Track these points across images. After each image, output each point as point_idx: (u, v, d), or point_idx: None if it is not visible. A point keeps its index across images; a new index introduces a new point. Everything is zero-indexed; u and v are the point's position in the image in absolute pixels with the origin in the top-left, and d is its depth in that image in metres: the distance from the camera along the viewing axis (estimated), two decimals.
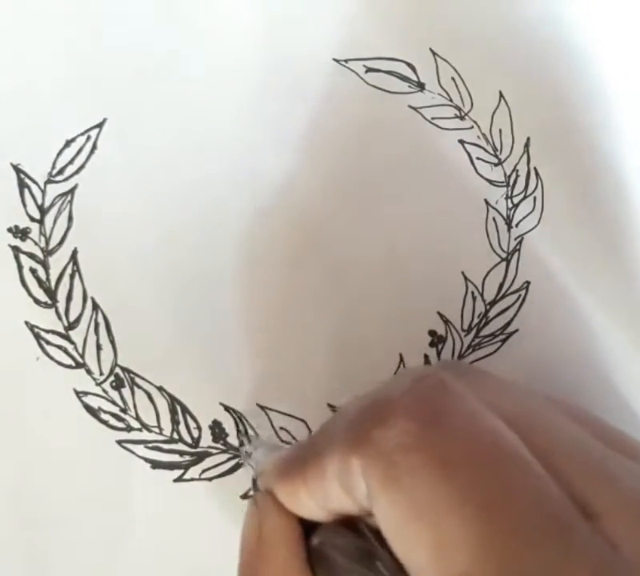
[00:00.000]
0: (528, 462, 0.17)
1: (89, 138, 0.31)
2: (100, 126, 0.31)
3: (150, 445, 0.28)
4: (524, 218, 0.32)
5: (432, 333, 0.30)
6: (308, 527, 0.21)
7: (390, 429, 0.18)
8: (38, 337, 0.29)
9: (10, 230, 0.30)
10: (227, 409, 0.29)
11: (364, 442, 0.18)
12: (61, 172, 0.30)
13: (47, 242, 0.30)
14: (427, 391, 0.19)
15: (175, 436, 0.28)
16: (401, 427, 0.18)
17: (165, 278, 0.30)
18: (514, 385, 0.22)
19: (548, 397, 0.22)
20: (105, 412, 0.28)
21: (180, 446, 0.28)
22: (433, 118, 0.33)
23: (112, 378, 0.28)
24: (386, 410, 0.18)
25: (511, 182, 0.32)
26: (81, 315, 0.29)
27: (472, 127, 0.33)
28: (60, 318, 0.29)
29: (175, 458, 0.28)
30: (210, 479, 0.28)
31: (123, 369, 0.29)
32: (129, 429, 0.28)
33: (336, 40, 0.33)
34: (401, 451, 0.17)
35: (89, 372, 0.28)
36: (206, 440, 0.28)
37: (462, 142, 0.33)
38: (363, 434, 0.18)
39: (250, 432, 0.28)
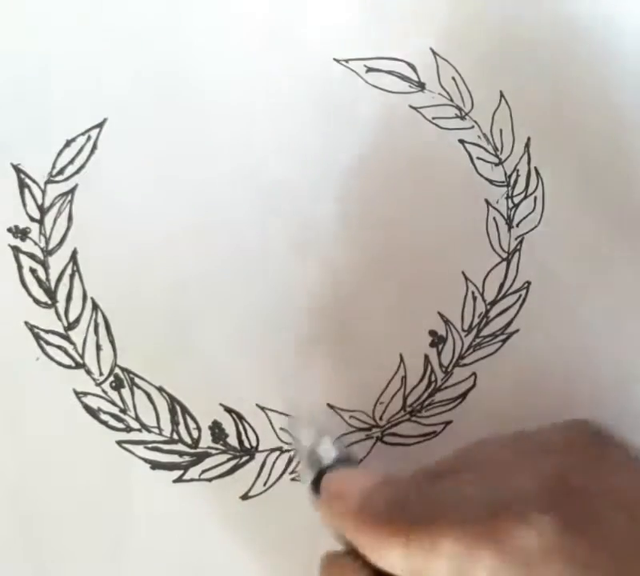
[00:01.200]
0: None
1: (89, 138, 0.31)
2: (100, 126, 0.31)
3: (149, 445, 0.28)
4: (524, 217, 0.32)
5: (432, 333, 0.30)
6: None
7: (529, 530, 0.18)
8: (37, 337, 0.29)
9: (9, 230, 0.30)
10: (227, 409, 0.29)
11: (498, 537, 0.18)
12: (61, 172, 0.30)
13: (47, 242, 0.30)
14: (567, 494, 0.19)
15: (175, 436, 0.28)
16: (540, 529, 0.18)
17: (165, 278, 0.30)
18: (632, 461, 0.22)
19: None
20: (104, 412, 0.28)
21: (180, 447, 0.28)
22: (433, 118, 0.33)
23: (112, 378, 0.28)
24: (523, 508, 0.18)
25: (512, 182, 0.32)
26: (80, 315, 0.29)
27: (472, 127, 0.33)
28: (60, 318, 0.29)
29: (175, 458, 0.28)
30: (209, 480, 0.28)
31: (123, 369, 0.29)
32: (128, 429, 0.28)
33: (336, 40, 0.33)
34: (540, 553, 0.18)
35: (88, 372, 0.28)
36: (206, 440, 0.28)
37: (462, 141, 0.33)
38: (499, 529, 0.18)
39: (312, 431, 0.27)
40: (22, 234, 0.30)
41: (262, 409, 0.29)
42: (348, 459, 0.25)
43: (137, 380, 0.28)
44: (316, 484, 0.23)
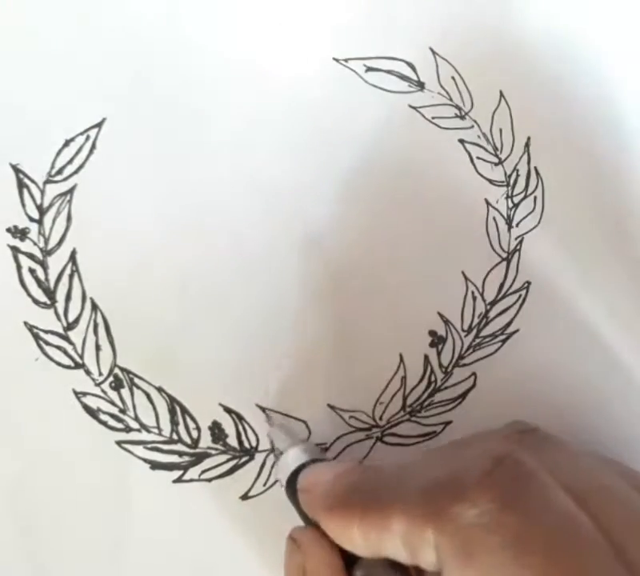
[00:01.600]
0: (601, 546, 0.18)
1: (88, 137, 0.31)
2: (99, 125, 0.31)
3: (149, 445, 0.28)
4: (524, 217, 0.32)
5: (432, 333, 0.30)
6: (346, 556, 0.22)
7: (470, 508, 0.19)
8: (37, 337, 0.28)
9: (8, 230, 0.30)
10: (227, 409, 0.28)
11: (441, 515, 0.19)
12: (60, 172, 0.30)
13: (46, 242, 0.30)
14: (506, 472, 0.20)
15: (174, 437, 0.28)
16: (481, 507, 0.19)
17: (164, 277, 0.30)
18: (583, 455, 0.23)
19: (610, 461, 0.23)
20: (104, 413, 0.28)
21: (179, 447, 0.28)
22: (433, 118, 0.33)
23: (111, 378, 0.28)
24: (466, 488, 0.19)
25: (511, 182, 0.32)
26: (80, 315, 0.29)
27: (472, 127, 0.33)
28: (59, 319, 0.29)
29: (174, 458, 0.28)
30: (209, 480, 0.28)
31: (122, 369, 0.29)
32: (128, 429, 0.28)
33: (336, 39, 0.33)
34: (480, 531, 0.18)
35: (88, 372, 0.28)
36: (206, 441, 0.28)
37: (462, 141, 0.32)
38: (441, 507, 0.19)
39: (283, 428, 0.27)
40: (20, 234, 0.30)
41: (262, 409, 0.29)
42: (320, 459, 0.25)
43: (136, 380, 0.28)
44: (291, 488, 0.25)
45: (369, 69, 0.33)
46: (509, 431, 0.24)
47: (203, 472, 0.28)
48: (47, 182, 0.30)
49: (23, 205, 0.30)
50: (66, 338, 0.29)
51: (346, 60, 0.33)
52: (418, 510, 0.20)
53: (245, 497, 0.28)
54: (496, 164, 0.32)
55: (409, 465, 0.23)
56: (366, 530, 0.21)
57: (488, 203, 0.32)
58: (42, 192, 0.30)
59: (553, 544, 0.18)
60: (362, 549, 0.21)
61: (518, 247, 0.31)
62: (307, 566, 0.22)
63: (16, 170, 0.30)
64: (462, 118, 0.33)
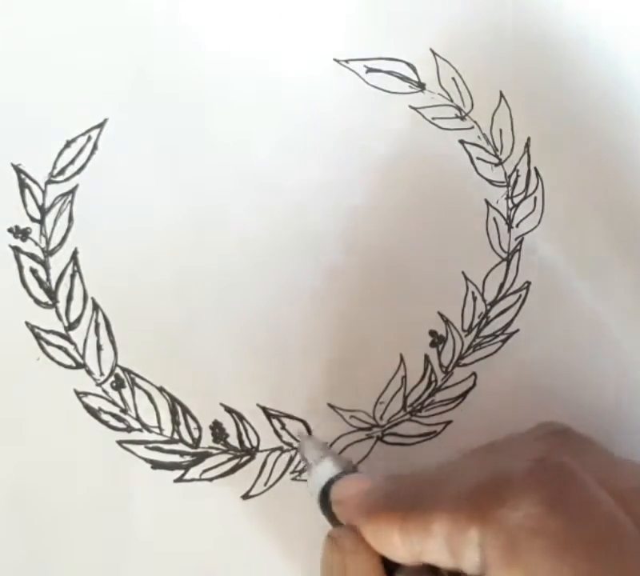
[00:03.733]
0: None
1: (90, 138, 0.31)
2: (101, 126, 0.31)
3: (150, 445, 0.28)
4: (524, 218, 0.32)
5: (432, 333, 0.30)
6: (386, 563, 0.22)
7: (515, 510, 0.19)
8: (38, 337, 0.29)
9: (10, 230, 0.30)
10: (228, 409, 0.29)
11: (486, 517, 0.19)
12: (62, 172, 0.30)
13: (48, 243, 0.30)
14: (550, 474, 0.20)
15: (176, 436, 0.28)
16: (526, 510, 0.19)
17: (165, 277, 0.30)
18: (615, 456, 0.23)
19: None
20: (105, 412, 0.28)
21: (180, 447, 0.28)
22: (433, 118, 0.33)
23: (112, 378, 0.28)
24: (509, 489, 0.20)
25: (512, 182, 0.32)
26: (81, 315, 0.29)
27: (472, 127, 0.33)
28: (60, 319, 0.29)
29: (176, 458, 0.28)
30: (210, 479, 0.28)
31: (123, 369, 0.29)
32: (129, 429, 0.28)
33: (336, 40, 0.33)
34: (525, 533, 0.19)
35: (89, 372, 0.28)
36: (207, 440, 0.28)
37: (462, 142, 0.33)
38: (485, 508, 0.19)
39: (314, 439, 0.28)
40: (22, 234, 0.30)
41: (262, 409, 0.29)
42: (351, 471, 0.25)
43: (137, 380, 0.28)
44: (323, 502, 0.24)
45: (369, 70, 0.33)
46: (542, 433, 0.24)
47: (204, 471, 0.28)
48: (49, 182, 0.30)
49: (25, 205, 0.30)
50: (68, 338, 0.29)
51: (346, 61, 0.33)
52: (461, 511, 0.20)
53: (246, 496, 0.28)
54: (496, 164, 0.32)
55: (445, 470, 0.23)
56: (407, 533, 0.20)
57: (488, 203, 0.32)
58: (44, 192, 0.30)
59: (598, 547, 0.18)
60: (402, 553, 0.21)
61: (518, 247, 0.31)
62: (349, 565, 0.22)
63: (18, 170, 0.30)
64: (463, 118, 0.33)
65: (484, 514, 0.19)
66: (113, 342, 0.29)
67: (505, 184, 0.32)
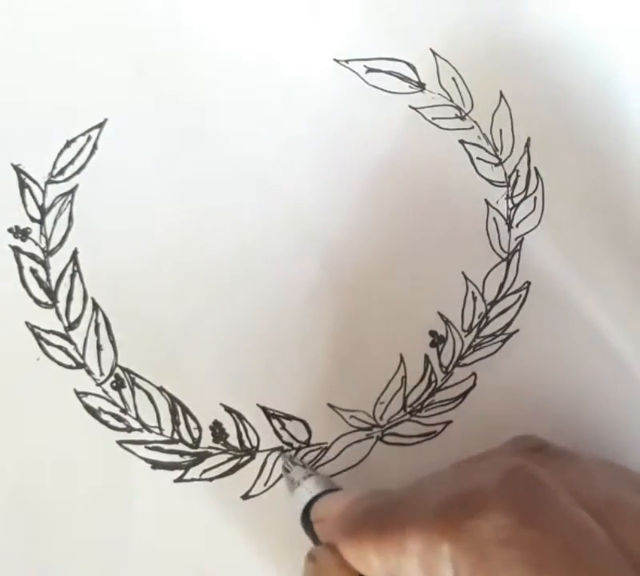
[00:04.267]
0: (617, 559, 0.18)
1: (89, 138, 0.31)
2: (101, 126, 0.31)
3: (150, 445, 0.28)
4: (524, 218, 0.32)
5: (432, 333, 0.30)
6: None
7: (486, 522, 0.19)
8: (38, 337, 0.29)
9: (10, 230, 0.30)
10: (228, 409, 0.29)
11: (457, 530, 0.19)
12: (61, 172, 0.30)
13: (47, 243, 0.30)
14: (521, 486, 0.20)
15: (176, 436, 0.28)
16: (496, 521, 0.19)
17: (165, 277, 0.30)
18: (596, 468, 0.23)
19: (621, 469, 0.23)
20: (105, 412, 0.28)
21: (180, 447, 0.28)
22: (433, 118, 0.33)
23: (112, 378, 0.28)
24: (480, 501, 0.19)
25: (512, 182, 0.32)
26: (81, 315, 0.29)
27: (472, 127, 0.33)
28: (60, 319, 0.29)
29: (176, 458, 0.28)
30: (210, 479, 0.28)
31: (123, 369, 0.29)
32: (129, 429, 0.28)
33: (336, 40, 0.33)
34: (496, 545, 0.18)
35: (89, 372, 0.28)
36: (207, 440, 0.28)
37: (462, 142, 0.33)
38: (456, 522, 0.19)
39: (297, 460, 0.28)
40: (22, 234, 0.30)
41: (263, 409, 0.29)
42: (333, 490, 0.25)
43: (137, 380, 0.28)
44: (305, 520, 0.25)
45: (369, 70, 0.33)
46: (518, 448, 0.24)
47: (204, 471, 0.28)
48: (49, 182, 0.30)
49: (25, 205, 0.30)
50: (68, 338, 0.29)
51: (346, 61, 0.33)
52: (433, 526, 0.19)
53: (246, 496, 0.28)
54: (496, 164, 0.32)
55: (420, 485, 0.23)
56: (382, 552, 0.20)
57: (488, 203, 0.32)
58: (44, 192, 0.30)
59: (571, 558, 0.18)
60: (380, 572, 0.21)
61: (518, 247, 0.31)
62: None
63: (18, 170, 0.30)
64: (463, 118, 0.33)
65: (454, 527, 0.19)
66: (113, 342, 0.29)
67: (505, 184, 0.32)
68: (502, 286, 0.31)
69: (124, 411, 0.28)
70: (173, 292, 0.30)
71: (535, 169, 0.33)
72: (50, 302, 0.29)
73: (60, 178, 0.30)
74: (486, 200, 0.32)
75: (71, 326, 0.29)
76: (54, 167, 0.30)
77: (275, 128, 0.32)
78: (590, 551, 0.18)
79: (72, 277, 0.29)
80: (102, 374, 0.28)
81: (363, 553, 0.21)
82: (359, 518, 0.22)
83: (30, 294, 0.29)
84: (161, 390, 0.28)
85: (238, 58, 0.32)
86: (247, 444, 0.28)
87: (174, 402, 0.28)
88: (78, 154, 0.31)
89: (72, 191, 0.30)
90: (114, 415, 0.28)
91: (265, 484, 0.28)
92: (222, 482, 0.28)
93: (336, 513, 0.23)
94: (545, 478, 0.20)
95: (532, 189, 0.32)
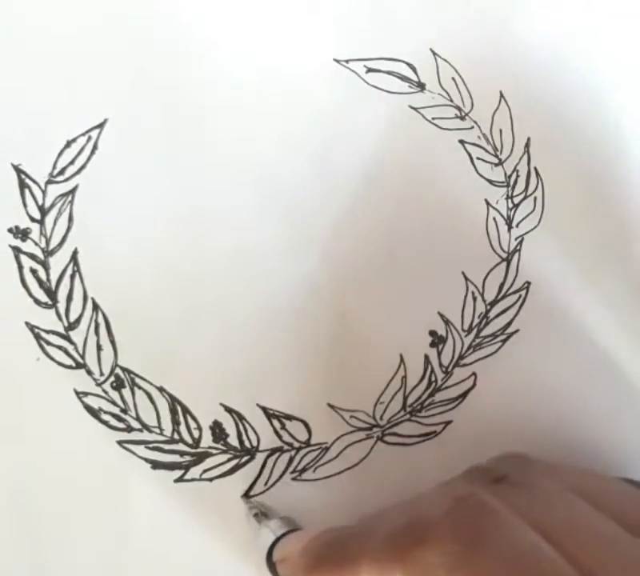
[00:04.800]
0: None
1: (90, 138, 0.31)
2: (101, 126, 0.31)
3: (150, 445, 0.28)
4: (524, 218, 0.32)
5: (432, 333, 0.30)
6: None
7: (433, 549, 0.19)
8: (38, 337, 0.29)
9: (10, 230, 0.30)
10: (228, 409, 0.29)
11: (404, 559, 0.19)
12: (62, 172, 0.30)
13: (48, 243, 0.30)
14: (468, 512, 0.20)
15: (176, 436, 0.28)
16: (444, 548, 0.19)
17: (165, 278, 0.30)
18: (556, 490, 0.22)
19: (600, 487, 0.23)
20: (105, 412, 0.28)
21: (180, 447, 0.28)
22: (433, 118, 0.33)
23: (112, 378, 0.28)
24: (427, 529, 0.20)
25: (512, 182, 0.32)
26: (81, 316, 0.29)
27: (472, 127, 0.33)
28: (60, 319, 0.29)
29: (176, 458, 0.28)
30: (210, 479, 0.28)
31: (123, 369, 0.29)
32: (129, 429, 0.28)
33: (336, 40, 0.33)
34: (445, 572, 0.18)
35: (89, 372, 0.28)
36: (207, 440, 0.28)
37: (462, 142, 0.33)
38: (405, 551, 0.19)
39: (260, 503, 0.28)
40: (22, 234, 0.30)
41: (263, 409, 0.29)
42: (295, 529, 0.26)
43: (137, 380, 0.28)
44: (270, 563, 0.25)
45: (369, 70, 0.33)
46: (474, 478, 0.24)
47: (204, 471, 0.28)
48: (49, 182, 0.30)
49: (25, 205, 0.30)
50: (68, 338, 0.29)
51: (346, 61, 0.33)
52: (384, 556, 0.20)
53: (246, 496, 0.28)
54: (496, 164, 0.32)
55: (375, 516, 0.23)
56: None
57: (488, 203, 0.32)
58: (44, 192, 0.30)
59: None
60: None
61: (518, 247, 0.31)
62: None
63: (17, 170, 0.30)
64: (463, 118, 0.33)
65: (404, 556, 0.19)
66: (113, 342, 0.29)
67: (505, 184, 0.32)
68: (502, 286, 0.31)
69: (124, 411, 0.28)
70: (173, 291, 0.30)
71: (535, 169, 0.33)
72: (49, 302, 0.29)
73: (60, 178, 0.30)
74: (486, 200, 0.32)
75: (71, 326, 0.29)
76: (54, 167, 0.30)
77: (275, 128, 0.32)
78: (539, 571, 0.18)
79: (72, 277, 0.29)
80: (101, 374, 0.28)
81: None
82: (317, 555, 0.22)
83: (30, 294, 0.29)
84: (161, 390, 0.28)
85: (238, 58, 0.32)
86: (247, 444, 0.28)
87: (174, 401, 0.28)
88: (78, 154, 0.31)
89: (72, 191, 0.30)
90: (114, 415, 0.28)
91: (265, 484, 0.28)
92: (221, 482, 0.28)
93: (296, 552, 0.23)
94: (494, 504, 0.20)
95: (532, 189, 0.32)
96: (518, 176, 0.32)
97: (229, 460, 0.28)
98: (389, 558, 0.20)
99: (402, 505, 0.23)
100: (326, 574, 0.21)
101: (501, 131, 0.33)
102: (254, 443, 0.28)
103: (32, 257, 0.29)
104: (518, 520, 0.20)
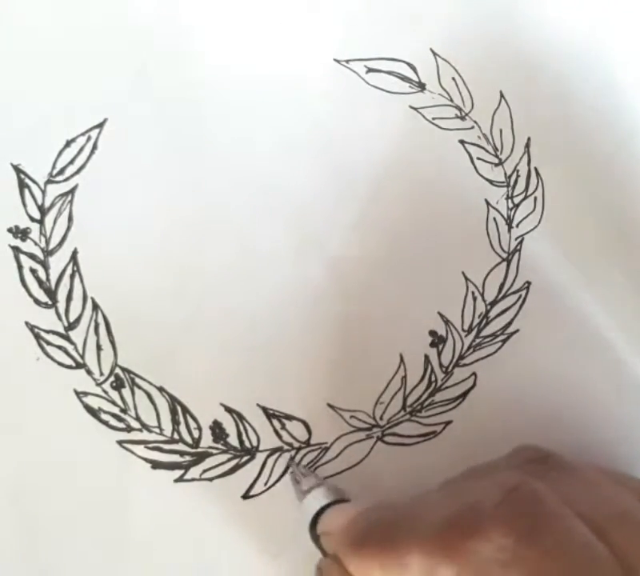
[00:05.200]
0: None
1: (89, 138, 0.31)
2: (100, 126, 0.31)
3: (150, 445, 0.28)
4: (524, 218, 0.32)
5: (432, 333, 0.30)
6: None
7: (486, 542, 0.19)
8: (38, 337, 0.29)
9: (10, 230, 0.30)
10: (228, 409, 0.29)
11: (457, 551, 0.19)
12: (61, 172, 0.30)
13: (47, 243, 0.30)
14: (521, 505, 0.20)
15: (176, 436, 0.28)
16: (497, 542, 0.19)
17: (165, 277, 0.30)
18: (595, 476, 0.22)
19: (622, 478, 0.23)
20: (105, 412, 0.28)
21: (180, 447, 0.28)
22: (433, 118, 0.33)
23: (112, 378, 0.28)
24: (480, 521, 0.19)
25: (512, 182, 0.32)
26: (81, 315, 0.29)
27: (472, 127, 0.33)
28: (60, 319, 0.29)
29: (176, 458, 0.28)
30: (210, 479, 0.28)
31: (123, 369, 0.29)
32: (129, 429, 0.28)
33: (336, 40, 0.33)
34: (498, 566, 0.18)
35: (89, 372, 0.28)
36: (207, 440, 0.28)
37: (462, 142, 0.33)
38: (456, 542, 0.19)
39: (306, 469, 0.28)
40: (22, 234, 0.30)
41: (263, 409, 0.29)
42: (342, 500, 0.25)
43: (137, 380, 0.28)
44: (314, 533, 0.25)
45: (370, 70, 0.33)
46: (520, 461, 0.24)
47: (204, 471, 0.28)
48: (48, 182, 0.30)
49: (24, 205, 0.30)
50: (67, 338, 0.29)
51: (347, 61, 0.33)
52: (434, 546, 0.19)
53: (246, 496, 0.28)
54: (496, 164, 0.32)
55: (423, 499, 0.23)
56: (385, 567, 0.20)
57: (488, 203, 0.32)
58: (44, 192, 0.30)
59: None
60: None
61: (518, 247, 0.31)
62: None
63: (17, 170, 0.30)
64: (463, 118, 0.33)
65: (455, 547, 0.19)
66: (113, 342, 0.29)
67: (505, 184, 0.32)
68: (502, 286, 0.31)
69: (124, 411, 0.28)
70: (173, 292, 0.30)
71: (535, 169, 0.33)
72: (49, 302, 0.29)
73: (60, 178, 0.30)
74: (486, 200, 0.32)
75: (71, 326, 0.29)
76: (53, 167, 0.30)
77: (275, 128, 0.32)
78: (593, 570, 0.18)
79: (72, 277, 0.29)
80: (101, 374, 0.28)
81: (367, 568, 0.21)
82: (363, 534, 0.22)
83: (30, 294, 0.29)
84: (161, 390, 0.28)
85: (238, 58, 0.32)
86: (247, 444, 0.28)
87: (174, 401, 0.28)
88: (78, 153, 0.31)
89: (72, 191, 0.30)
90: (113, 415, 0.28)
91: (265, 484, 0.28)
92: (221, 482, 0.28)
93: (341, 526, 0.23)
94: (545, 496, 0.20)
95: (532, 189, 0.32)
96: (518, 176, 0.32)
97: (229, 460, 0.28)
98: (439, 549, 0.19)
99: (452, 488, 0.23)
100: (370, 557, 0.21)
101: (501, 131, 0.33)
102: (254, 443, 0.28)
103: (32, 257, 0.29)
104: (568, 511, 0.20)
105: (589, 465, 0.24)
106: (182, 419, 0.28)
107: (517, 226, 0.32)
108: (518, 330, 0.30)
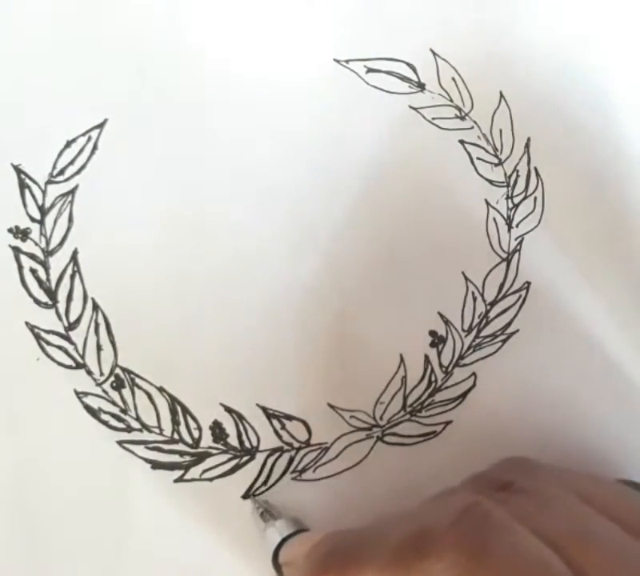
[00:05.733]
0: None
1: (90, 138, 0.31)
2: (101, 126, 0.31)
3: (150, 445, 0.28)
4: (524, 218, 0.32)
5: (432, 333, 0.30)
6: None
7: (438, 562, 0.19)
8: (38, 337, 0.29)
9: (10, 230, 0.30)
10: (228, 409, 0.29)
11: (411, 571, 0.19)
12: (61, 172, 0.30)
13: (47, 243, 0.30)
14: (473, 523, 0.20)
15: (176, 436, 0.28)
16: (449, 560, 0.19)
17: (165, 277, 0.30)
18: (560, 496, 0.22)
19: (600, 489, 0.22)
20: (105, 412, 0.28)
21: (180, 447, 0.28)
22: (433, 119, 0.33)
23: (112, 378, 0.28)
24: (433, 542, 0.19)
25: (511, 183, 0.32)
26: (81, 316, 0.29)
27: (472, 127, 0.33)
28: (60, 319, 0.29)
29: (175, 458, 0.28)
30: (210, 479, 0.28)
31: (123, 369, 0.29)
32: (129, 429, 0.28)
33: (336, 40, 0.33)
34: None
35: (89, 372, 0.28)
36: (207, 440, 0.28)
37: (462, 142, 0.33)
38: (410, 563, 0.19)
39: (264, 503, 0.27)
40: (22, 234, 0.30)
41: (263, 409, 0.29)
42: (302, 530, 0.26)
43: (137, 380, 0.28)
44: (276, 565, 0.25)
45: (369, 70, 0.33)
46: (481, 485, 0.24)
47: (204, 471, 0.28)
48: (49, 182, 0.30)
49: (25, 205, 0.30)
50: (68, 338, 0.29)
51: (346, 61, 0.33)
52: (389, 567, 0.20)
53: (246, 496, 0.28)
54: (496, 164, 0.32)
55: (381, 523, 0.23)
56: None
57: (488, 204, 0.32)
58: (44, 192, 0.30)
59: None
60: None
61: (518, 247, 0.31)
62: None
63: (18, 170, 0.30)
64: (462, 118, 0.33)
65: (409, 567, 0.19)
66: (113, 342, 0.29)
67: (505, 184, 0.32)
68: (502, 286, 0.31)
69: (124, 411, 0.28)
70: (173, 292, 0.30)
71: (535, 169, 0.33)
72: (49, 302, 0.29)
73: (60, 179, 0.30)
74: (486, 200, 0.32)
75: (71, 326, 0.29)
76: (54, 167, 0.30)
77: (275, 128, 0.32)
78: None
79: (72, 277, 0.29)
80: (101, 374, 0.29)
81: None
82: (322, 561, 0.22)
83: (30, 294, 0.29)
84: (161, 389, 0.28)
85: (238, 58, 0.32)
86: (247, 444, 0.28)
87: (174, 402, 0.28)
88: (78, 154, 0.31)
89: (72, 191, 0.30)
90: (113, 415, 0.28)
91: (265, 484, 0.28)
92: (222, 482, 0.28)
93: (301, 556, 0.23)
94: (499, 514, 0.20)
95: (532, 189, 0.32)
96: (518, 176, 0.32)
97: (229, 460, 0.28)
98: (395, 570, 0.19)
99: (407, 513, 0.23)
100: None
101: (501, 131, 0.33)
102: (254, 443, 0.28)
103: (32, 257, 0.29)
104: (523, 529, 0.20)
105: (564, 477, 0.24)
106: (181, 419, 0.28)
107: (517, 226, 0.32)
108: (517, 330, 0.30)
